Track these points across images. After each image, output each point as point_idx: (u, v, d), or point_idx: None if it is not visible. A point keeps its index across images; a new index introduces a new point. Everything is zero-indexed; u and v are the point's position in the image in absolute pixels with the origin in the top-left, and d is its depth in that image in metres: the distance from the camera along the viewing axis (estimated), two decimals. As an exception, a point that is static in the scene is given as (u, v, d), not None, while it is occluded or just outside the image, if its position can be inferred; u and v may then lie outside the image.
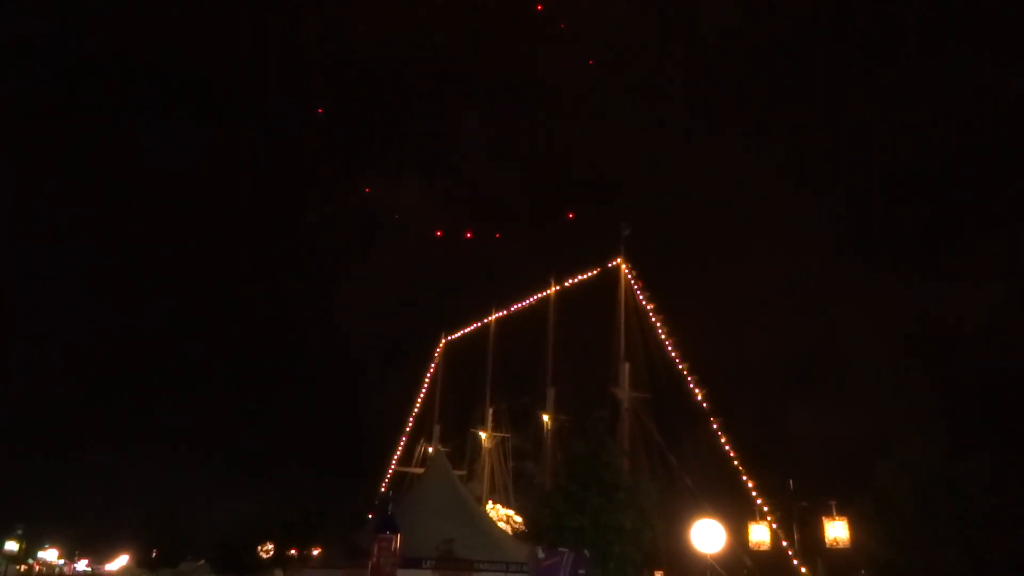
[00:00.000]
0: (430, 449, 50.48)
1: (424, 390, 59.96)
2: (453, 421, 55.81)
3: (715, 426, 38.75)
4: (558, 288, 48.44)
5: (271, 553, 29.78)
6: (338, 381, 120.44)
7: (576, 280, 47.96)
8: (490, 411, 51.96)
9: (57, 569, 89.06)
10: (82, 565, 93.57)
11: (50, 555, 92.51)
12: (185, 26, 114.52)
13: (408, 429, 59.11)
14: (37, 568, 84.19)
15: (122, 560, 79.87)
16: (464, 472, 49.16)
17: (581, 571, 18.97)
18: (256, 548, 30.46)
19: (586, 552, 19.97)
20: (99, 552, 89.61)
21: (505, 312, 52.97)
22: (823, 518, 31.51)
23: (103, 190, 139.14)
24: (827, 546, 31.43)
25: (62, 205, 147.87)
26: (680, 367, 40.67)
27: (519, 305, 51.70)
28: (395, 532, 20.53)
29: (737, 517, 35.66)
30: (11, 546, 70.41)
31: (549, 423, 44.76)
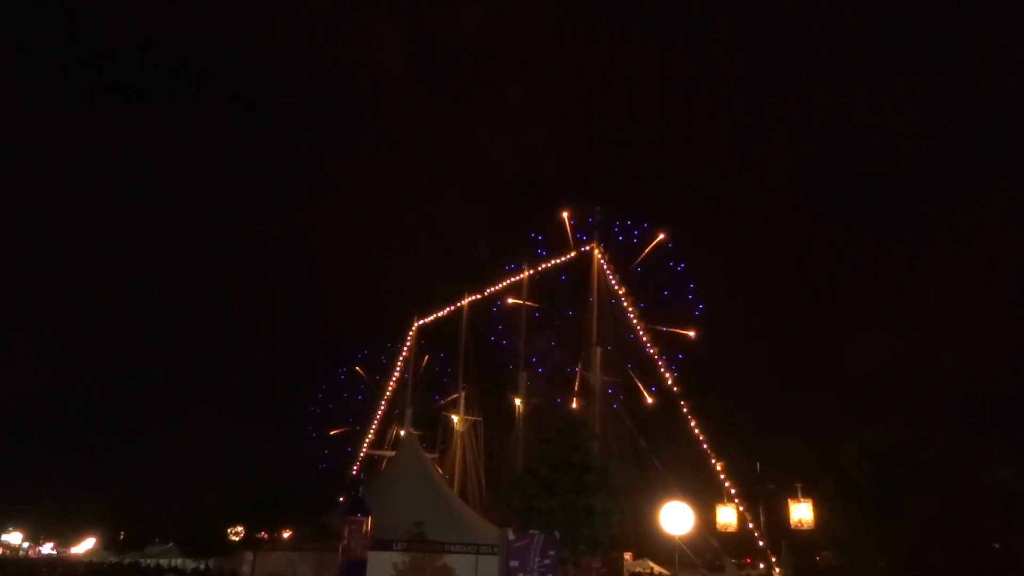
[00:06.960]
0: (402, 432, 50.37)
1: (397, 373, 59.90)
2: (425, 404, 55.80)
3: (684, 410, 39.23)
4: (531, 272, 48.46)
5: (241, 535, 29.51)
6: (307, 360, 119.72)
7: (549, 265, 48.04)
8: (462, 395, 51.97)
9: (22, 552, 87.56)
10: (47, 548, 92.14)
11: (14, 538, 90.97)
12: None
13: (380, 413, 59.07)
14: (1, 551, 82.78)
15: (88, 543, 78.86)
16: (436, 455, 49.18)
17: (551, 552, 19.15)
18: (225, 530, 30.17)
19: (556, 533, 20.20)
20: (64, 535, 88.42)
21: (478, 296, 52.90)
22: (789, 500, 32.11)
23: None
24: (792, 527, 32.06)
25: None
26: (651, 351, 41.09)
27: (492, 289, 51.65)
28: (366, 514, 20.57)
29: (705, 499, 36.27)
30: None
31: (521, 407, 44.90)
